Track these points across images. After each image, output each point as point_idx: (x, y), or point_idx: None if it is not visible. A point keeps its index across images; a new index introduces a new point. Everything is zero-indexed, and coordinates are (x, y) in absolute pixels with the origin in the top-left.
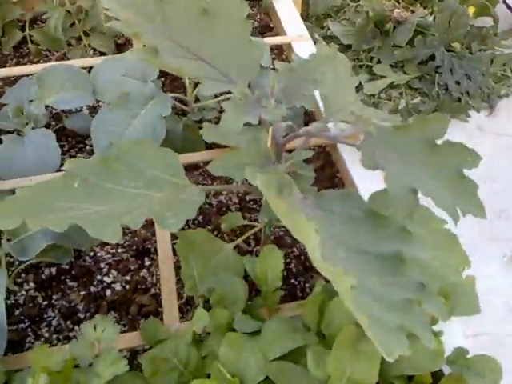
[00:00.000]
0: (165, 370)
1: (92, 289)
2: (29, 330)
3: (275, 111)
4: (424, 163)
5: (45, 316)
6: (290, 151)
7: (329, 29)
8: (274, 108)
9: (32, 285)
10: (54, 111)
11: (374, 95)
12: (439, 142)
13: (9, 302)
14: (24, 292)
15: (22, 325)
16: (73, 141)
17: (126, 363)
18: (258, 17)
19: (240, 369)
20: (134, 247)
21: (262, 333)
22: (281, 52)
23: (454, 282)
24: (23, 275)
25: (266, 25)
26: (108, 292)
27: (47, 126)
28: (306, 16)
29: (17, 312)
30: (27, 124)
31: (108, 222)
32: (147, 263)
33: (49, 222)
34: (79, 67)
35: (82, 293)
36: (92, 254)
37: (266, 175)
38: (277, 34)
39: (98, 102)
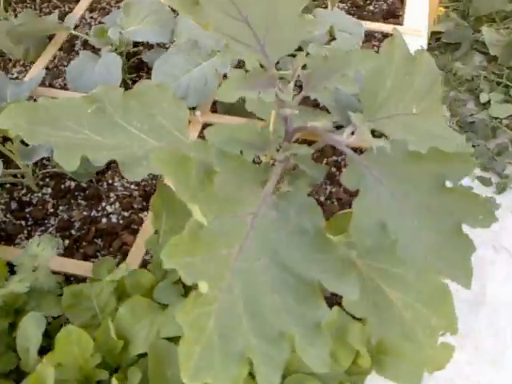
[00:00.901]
0: (81, 308)
1: (93, 213)
2: (26, 228)
3: (286, 95)
4: (419, 203)
5: (46, 222)
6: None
7: (482, 34)
8: (288, 92)
9: (49, 190)
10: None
11: (497, 118)
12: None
13: (24, 198)
14: (40, 194)
15: (23, 222)
16: (144, 75)
17: None
18: (390, 0)
19: (129, 335)
20: (147, 189)
21: (169, 308)
22: None
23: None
24: (47, 180)
25: (395, 11)
26: (104, 220)
27: (125, 54)
28: (466, 14)
29: (27, 209)
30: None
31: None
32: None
33: (46, 136)
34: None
35: (84, 213)
36: (110, 181)
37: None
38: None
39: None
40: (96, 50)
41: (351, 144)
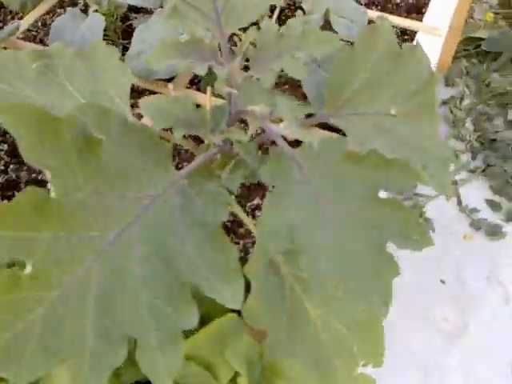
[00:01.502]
0: None
1: (40, 176)
2: None
3: (222, 71)
4: (347, 212)
5: None
6: None
7: None
8: (232, 69)
9: (6, 147)
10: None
11: None
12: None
13: None
14: None
15: None
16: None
17: None
18: None
19: None
20: None
21: None
22: (412, 38)
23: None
24: (7, 135)
25: (421, 6)
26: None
27: (119, 18)
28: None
29: None
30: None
31: None
32: None
33: None
34: None
35: (33, 175)
36: None
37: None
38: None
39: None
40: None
41: (290, 136)
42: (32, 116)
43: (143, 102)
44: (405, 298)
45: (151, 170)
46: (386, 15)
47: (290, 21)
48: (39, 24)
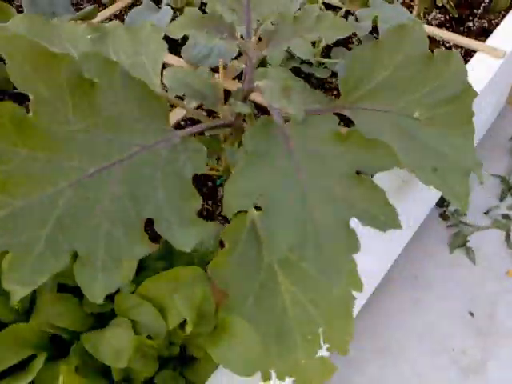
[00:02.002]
0: None
1: None
2: None
3: (231, 44)
4: (323, 186)
5: None
6: None
7: None
8: (247, 45)
9: None
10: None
11: None
12: None
13: None
14: None
15: None
16: None
17: None
18: (495, 21)
19: None
20: None
21: None
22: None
23: None
24: None
25: (492, 30)
26: None
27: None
28: None
29: None
30: None
31: None
32: None
33: None
34: None
35: None
36: None
37: None
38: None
39: None
40: None
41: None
42: (31, 48)
43: (165, 72)
44: (426, 321)
45: (147, 123)
46: (445, 32)
47: (306, 6)
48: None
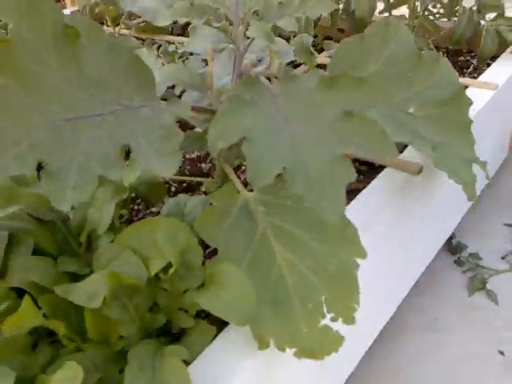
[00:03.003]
0: None
1: None
2: None
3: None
4: (315, 129)
5: None
6: None
7: None
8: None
9: None
10: None
11: None
12: None
13: None
14: None
15: None
16: None
17: None
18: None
19: None
20: None
21: None
22: None
23: None
24: None
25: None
26: None
27: None
28: None
29: None
30: None
31: None
32: None
33: None
34: None
35: None
36: None
37: None
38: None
39: None
40: None
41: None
42: None
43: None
44: (452, 364)
45: (133, 88)
46: None
47: None
48: None
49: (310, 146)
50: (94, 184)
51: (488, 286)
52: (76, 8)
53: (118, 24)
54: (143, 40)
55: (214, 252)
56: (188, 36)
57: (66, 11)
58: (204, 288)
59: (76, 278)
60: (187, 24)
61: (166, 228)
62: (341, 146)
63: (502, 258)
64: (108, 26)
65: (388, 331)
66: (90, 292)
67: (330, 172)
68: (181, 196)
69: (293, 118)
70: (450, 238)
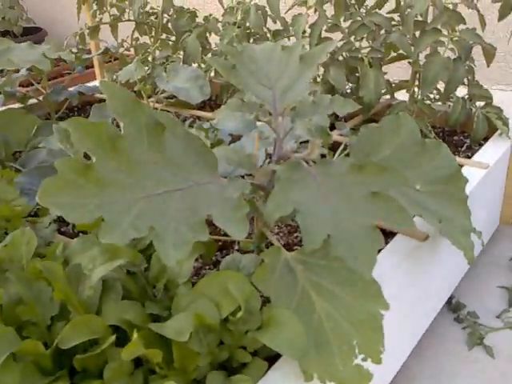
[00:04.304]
0: None
1: None
2: None
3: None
4: (347, 203)
5: None
6: None
7: None
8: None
9: None
10: None
11: None
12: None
13: None
14: None
15: None
16: None
17: None
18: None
19: None
20: None
21: None
22: None
23: None
24: None
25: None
26: None
27: None
28: None
29: None
30: None
31: None
32: None
33: None
34: None
35: None
36: None
37: None
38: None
39: None
40: None
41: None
42: (123, 93)
43: (215, 151)
44: None
45: (201, 167)
46: None
47: (320, 95)
48: None
49: (345, 216)
50: (189, 244)
51: (485, 341)
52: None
53: (150, 96)
54: (171, 113)
55: (267, 299)
56: (208, 110)
57: (95, 83)
58: (263, 329)
59: (158, 319)
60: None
61: (235, 279)
62: (370, 218)
63: (497, 317)
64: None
65: (395, 382)
66: (179, 328)
67: (364, 238)
68: (236, 254)
69: (330, 194)
70: (450, 298)
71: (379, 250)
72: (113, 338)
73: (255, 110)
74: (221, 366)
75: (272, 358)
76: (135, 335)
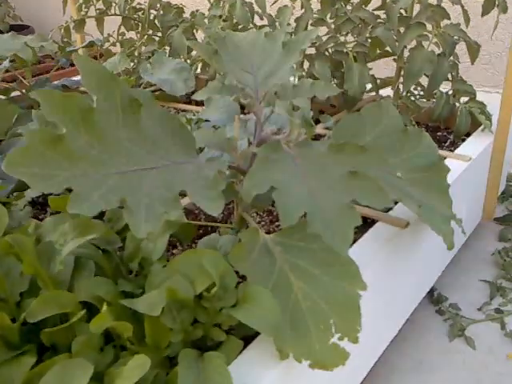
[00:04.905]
0: None
1: None
2: None
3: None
4: (325, 182)
5: None
6: None
7: None
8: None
9: None
10: None
11: None
12: None
13: None
14: None
15: None
16: None
17: None
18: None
19: None
20: None
21: None
22: None
23: None
24: None
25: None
26: None
27: None
28: None
29: None
30: None
31: None
32: None
33: None
34: None
35: None
36: None
37: None
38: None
39: None
40: None
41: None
42: (97, 68)
43: (195, 134)
44: None
45: (178, 147)
46: None
47: (302, 79)
48: None
49: (322, 195)
50: (160, 219)
51: (466, 332)
52: None
53: None
54: None
55: (243, 279)
56: (194, 104)
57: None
58: (238, 306)
59: (131, 297)
60: (192, 93)
61: (210, 256)
62: (347, 196)
63: (479, 310)
64: None
65: (376, 373)
66: (151, 303)
67: (340, 215)
68: (213, 235)
69: (308, 174)
70: (432, 291)
71: (360, 236)
72: (82, 312)
73: (236, 93)
74: (195, 345)
75: (249, 338)
76: (104, 307)
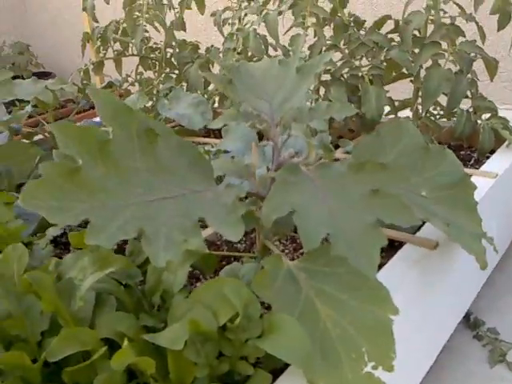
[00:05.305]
0: None
1: None
2: None
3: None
4: (346, 201)
5: None
6: None
7: None
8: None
9: None
10: None
11: None
12: None
13: None
14: None
15: None
16: None
17: None
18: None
19: None
20: None
21: None
22: None
23: None
24: None
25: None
26: None
27: None
28: None
29: None
30: None
31: None
32: None
33: None
34: None
35: None
36: None
37: None
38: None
39: None
40: None
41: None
42: (113, 99)
43: (213, 163)
44: None
45: (196, 175)
46: None
47: (318, 102)
48: None
49: (343, 215)
50: (180, 247)
51: (507, 358)
52: None
53: None
54: None
55: (268, 309)
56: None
57: None
58: (264, 337)
59: (153, 332)
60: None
61: (232, 285)
62: (370, 215)
63: None
64: None
65: None
66: (173, 337)
67: (364, 235)
68: (235, 263)
69: (328, 195)
70: (468, 315)
71: (387, 260)
72: (104, 349)
73: (251, 119)
74: (221, 381)
75: (277, 372)
76: (126, 343)
